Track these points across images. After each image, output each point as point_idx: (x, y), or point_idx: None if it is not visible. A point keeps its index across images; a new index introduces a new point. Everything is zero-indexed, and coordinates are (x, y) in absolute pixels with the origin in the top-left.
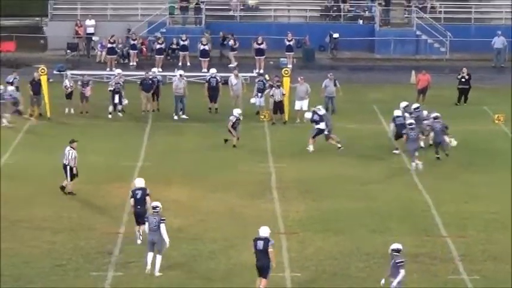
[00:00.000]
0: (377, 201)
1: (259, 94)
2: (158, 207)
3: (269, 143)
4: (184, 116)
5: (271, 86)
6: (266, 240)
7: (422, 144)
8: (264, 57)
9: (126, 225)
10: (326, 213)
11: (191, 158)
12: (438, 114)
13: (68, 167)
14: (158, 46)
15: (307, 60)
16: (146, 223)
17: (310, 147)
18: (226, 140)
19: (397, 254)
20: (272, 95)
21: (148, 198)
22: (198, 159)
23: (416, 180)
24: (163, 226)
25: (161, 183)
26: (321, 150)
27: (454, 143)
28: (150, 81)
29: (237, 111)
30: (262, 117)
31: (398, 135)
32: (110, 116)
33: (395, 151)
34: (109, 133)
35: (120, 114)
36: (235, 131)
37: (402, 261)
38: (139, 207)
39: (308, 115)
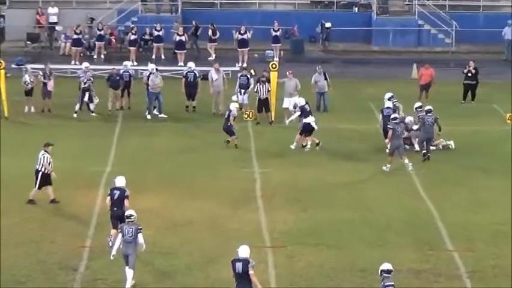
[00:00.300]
0: (374, 210)
1: (242, 91)
2: (132, 215)
3: (253, 145)
4: (162, 115)
5: (258, 81)
6: (245, 262)
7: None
8: (247, 49)
9: (93, 238)
10: (317, 224)
11: (166, 162)
12: (430, 107)
13: (40, 173)
14: (133, 37)
15: (296, 52)
16: (120, 234)
17: (294, 146)
18: (228, 141)
19: (387, 275)
20: (257, 91)
21: (126, 201)
22: (174, 164)
23: (419, 187)
24: (140, 236)
25: (133, 190)
26: (311, 153)
27: (452, 145)
28: (118, 77)
29: (234, 105)
30: (245, 116)
31: (385, 130)
32: (75, 115)
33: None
34: (74, 134)
35: (94, 114)
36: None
37: (391, 285)
38: (115, 208)
39: (301, 101)
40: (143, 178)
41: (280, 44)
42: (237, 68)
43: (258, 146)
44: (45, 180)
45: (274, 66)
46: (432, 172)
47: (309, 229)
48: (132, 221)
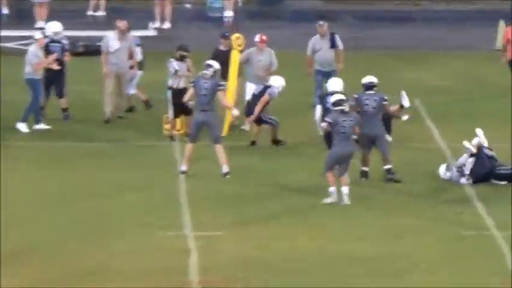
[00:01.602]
0: None
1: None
2: None
3: (184, 184)
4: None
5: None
6: None
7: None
8: None
9: None
10: None
11: (26, 221)
12: (372, 80)
13: None
14: None
15: (269, 0)
16: None
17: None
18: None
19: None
20: (175, 75)
21: None
22: (41, 223)
23: (509, 260)
24: None
25: None
26: (305, 193)
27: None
28: None
29: (280, 81)
30: (166, 128)
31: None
32: None
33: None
34: None
35: None
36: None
37: None
38: None
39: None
40: None
41: None
42: (151, 32)
43: (191, 185)
44: None
45: (238, 38)
46: None
47: None
48: None
